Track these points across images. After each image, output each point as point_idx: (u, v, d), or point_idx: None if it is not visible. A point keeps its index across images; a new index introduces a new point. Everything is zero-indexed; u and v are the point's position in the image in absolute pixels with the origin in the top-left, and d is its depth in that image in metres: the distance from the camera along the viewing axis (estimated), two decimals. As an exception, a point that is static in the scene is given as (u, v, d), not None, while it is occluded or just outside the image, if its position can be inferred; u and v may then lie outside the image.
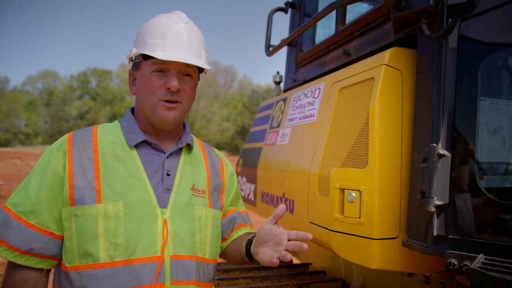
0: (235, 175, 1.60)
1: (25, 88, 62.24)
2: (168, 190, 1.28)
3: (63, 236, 1.20)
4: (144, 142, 1.30)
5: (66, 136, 1.28)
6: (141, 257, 1.17)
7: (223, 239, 1.52)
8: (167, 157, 1.32)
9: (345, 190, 1.56)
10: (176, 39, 1.25)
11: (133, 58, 1.32)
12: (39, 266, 1.19)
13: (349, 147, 1.62)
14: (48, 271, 1.24)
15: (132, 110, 1.39)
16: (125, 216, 1.17)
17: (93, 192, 1.18)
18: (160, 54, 1.22)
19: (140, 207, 1.20)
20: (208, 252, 1.34)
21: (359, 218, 1.50)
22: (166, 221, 1.23)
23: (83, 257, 1.15)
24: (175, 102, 1.27)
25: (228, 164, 1.58)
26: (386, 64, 1.53)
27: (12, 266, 1.19)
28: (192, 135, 1.45)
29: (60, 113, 59.09)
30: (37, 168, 1.23)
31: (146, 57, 1.26)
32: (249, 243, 1.38)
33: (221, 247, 1.53)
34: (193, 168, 1.39)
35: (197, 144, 1.48)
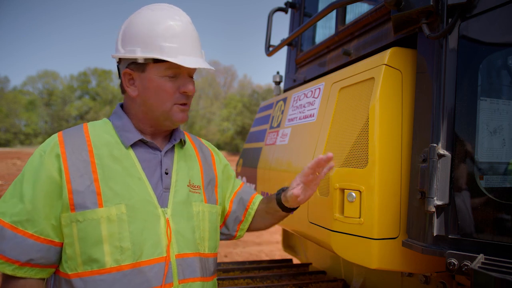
0: (229, 164, 1.58)
1: (25, 88, 62.27)
2: (167, 189, 1.26)
3: (62, 243, 1.15)
4: (140, 141, 1.26)
5: (55, 137, 1.19)
6: (148, 259, 1.15)
7: (240, 221, 1.54)
8: (163, 155, 1.29)
9: (345, 190, 1.56)
10: (188, 42, 1.23)
11: (138, 60, 1.21)
12: (38, 276, 1.14)
13: (349, 147, 1.62)
14: (46, 279, 1.20)
15: (121, 107, 1.32)
16: (128, 218, 1.14)
17: (94, 196, 1.13)
18: (185, 60, 1.19)
19: (142, 208, 1.18)
20: (208, 246, 1.33)
21: (359, 218, 1.50)
22: (168, 220, 1.22)
23: (88, 263, 1.11)
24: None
25: (219, 154, 1.56)
26: (386, 64, 1.53)
27: (8, 277, 1.12)
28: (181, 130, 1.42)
29: (60, 113, 59.07)
30: (28, 174, 1.13)
31: (157, 60, 1.20)
32: (278, 199, 1.48)
33: (241, 229, 1.56)
34: (187, 163, 1.36)
35: (187, 138, 1.45)
